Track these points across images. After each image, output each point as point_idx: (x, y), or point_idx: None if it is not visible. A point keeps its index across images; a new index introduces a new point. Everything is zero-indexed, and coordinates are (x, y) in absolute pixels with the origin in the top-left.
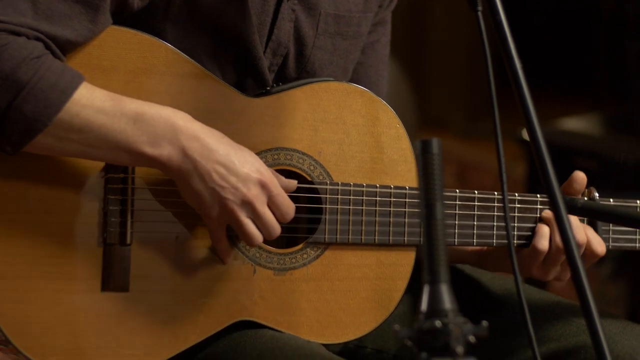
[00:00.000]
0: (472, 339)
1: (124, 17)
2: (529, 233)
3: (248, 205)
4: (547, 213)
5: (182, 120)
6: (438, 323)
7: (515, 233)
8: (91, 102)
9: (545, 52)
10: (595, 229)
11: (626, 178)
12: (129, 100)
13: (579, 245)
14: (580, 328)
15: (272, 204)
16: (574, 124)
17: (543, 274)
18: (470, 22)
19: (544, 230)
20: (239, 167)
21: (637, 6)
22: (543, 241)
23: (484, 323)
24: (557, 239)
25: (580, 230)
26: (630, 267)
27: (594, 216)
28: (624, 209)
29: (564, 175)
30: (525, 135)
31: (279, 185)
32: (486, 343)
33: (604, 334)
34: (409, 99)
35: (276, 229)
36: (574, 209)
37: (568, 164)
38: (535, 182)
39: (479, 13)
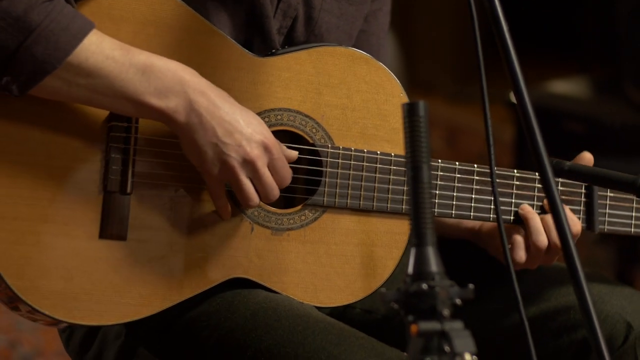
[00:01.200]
0: (458, 301)
1: None
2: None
3: (249, 165)
4: (524, 209)
5: (190, 75)
6: (424, 286)
7: (512, 209)
8: (101, 49)
9: (532, 14)
10: (592, 213)
11: (614, 141)
12: (137, 51)
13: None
14: (571, 289)
15: (271, 168)
16: (562, 86)
17: (529, 266)
18: None
19: (519, 242)
20: (243, 126)
21: None
22: (520, 252)
23: (471, 286)
24: (536, 241)
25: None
26: None
27: (581, 179)
28: (612, 173)
29: (552, 139)
30: (512, 98)
31: (280, 150)
32: (474, 306)
33: (593, 294)
34: (396, 63)
35: (275, 191)
36: (560, 172)
37: (556, 127)
38: (523, 146)
39: None
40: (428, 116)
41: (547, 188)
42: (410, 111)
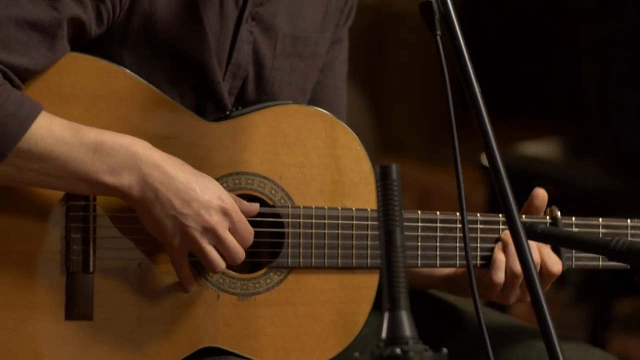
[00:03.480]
0: None
1: (81, 44)
2: (491, 253)
3: (210, 232)
4: (507, 235)
5: (142, 148)
6: (398, 350)
7: (478, 254)
8: (50, 131)
9: (503, 76)
10: (559, 248)
11: (586, 203)
12: (88, 129)
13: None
14: (541, 352)
15: (233, 231)
16: (533, 148)
17: (503, 299)
18: (430, 45)
19: (499, 261)
20: (200, 194)
21: (594, 31)
22: (499, 273)
23: (444, 350)
24: (513, 266)
25: (535, 250)
26: (591, 292)
27: (554, 242)
28: (585, 235)
29: (524, 201)
30: (484, 160)
31: (240, 212)
32: None
33: (565, 357)
34: (368, 123)
35: (240, 253)
36: (533, 235)
37: (528, 189)
38: (496, 208)
39: (438, 37)
40: (401, 179)
41: (519, 250)
42: (383, 174)
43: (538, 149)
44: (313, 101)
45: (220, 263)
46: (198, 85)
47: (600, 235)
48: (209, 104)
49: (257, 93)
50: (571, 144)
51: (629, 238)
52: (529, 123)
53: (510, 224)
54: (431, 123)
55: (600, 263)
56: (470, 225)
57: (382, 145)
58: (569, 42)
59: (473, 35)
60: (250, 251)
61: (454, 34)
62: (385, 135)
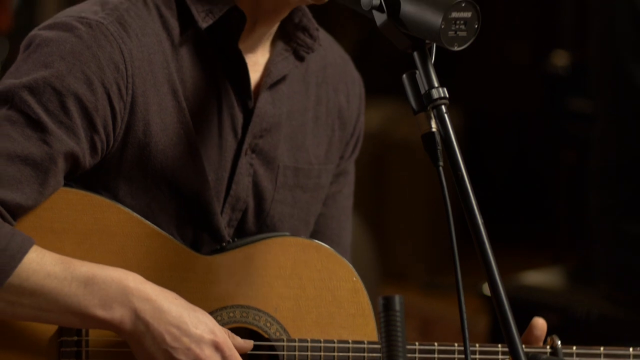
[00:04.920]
0: None
1: (76, 176)
2: None
3: None
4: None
5: (134, 282)
6: None
7: None
8: (41, 266)
9: (506, 207)
10: None
11: (589, 333)
12: (79, 263)
13: None
14: None
15: None
16: (535, 278)
17: None
18: (431, 174)
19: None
20: (191, 328)
21: (596, 161)
22: None
23: None
24: None
25: None
26: None
27: None
28: None
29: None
30: (486, 290)
31: (232, 346)
32: None
33: None
34: (370, 252)
35: None
36: None
37: (530, 318)
38: (498, 337)
39: (441, 168)
40: (404, 310)
41: None
42: (386, 305)
43: (540, 278)
44: (315, 233)
45: None
46: (195, 217)
47: None
48: (205, 235)
49: (257, 225)
50: (573, 273)
51: None
52: (530, 253)
53: (513, 354)
54: (432, 253)
55: None
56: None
57: (383, 275)
58: (570, 172)
59: (475, 166)
60: None
61: (457, 165)
62: (387, 266)
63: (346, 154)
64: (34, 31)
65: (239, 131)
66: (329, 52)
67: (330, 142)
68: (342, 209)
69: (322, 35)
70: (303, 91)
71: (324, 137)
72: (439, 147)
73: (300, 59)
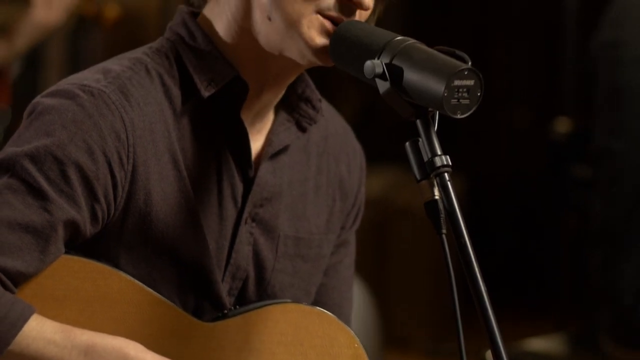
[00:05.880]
0: None
1: (77, 244)
2: None
3: None
4: None
5: (134, 351)
6: None
7: None
8: (41, 334)
9: (509, 274)
10: None
11: None
12: (80, 331)
13: None
14: None
15: None
16: (538, 344)
17: None
18: (434, 240)
19: None
20: None
21: (598, 222)
22: None
23: None
24: None
25: None
26: None
27: None
28: None
29: None
30: (489, 357)
31: None
32: None
33: None
34: (372, 318)
35: None
36: None
37: None
38: None
39: (444, 236)
40: None
41: None
42: None
43: (543, 344)
44: (316, 303)
45: None
46: (196, 286)
47: None
48: (207, 303)
49: (258, 294)
50: (576, 339)
51: None
52: (534, 319)
53: None
54: (435, 319)
55: None
56: None
57: (386, 342)
58: (573, 235)
59: (478, 233)
60: None
61: (460, 233)
62: (389, 331)
63: (347, 225)
64: (37, 98)
65: (239, 200)
66: (330, 123)
67: (331, 212)
68: (343, 280)
69: (324, 105)
70: (304, 161)
71: (324, 206)
72: (442, 215)
73: (303, 129)
